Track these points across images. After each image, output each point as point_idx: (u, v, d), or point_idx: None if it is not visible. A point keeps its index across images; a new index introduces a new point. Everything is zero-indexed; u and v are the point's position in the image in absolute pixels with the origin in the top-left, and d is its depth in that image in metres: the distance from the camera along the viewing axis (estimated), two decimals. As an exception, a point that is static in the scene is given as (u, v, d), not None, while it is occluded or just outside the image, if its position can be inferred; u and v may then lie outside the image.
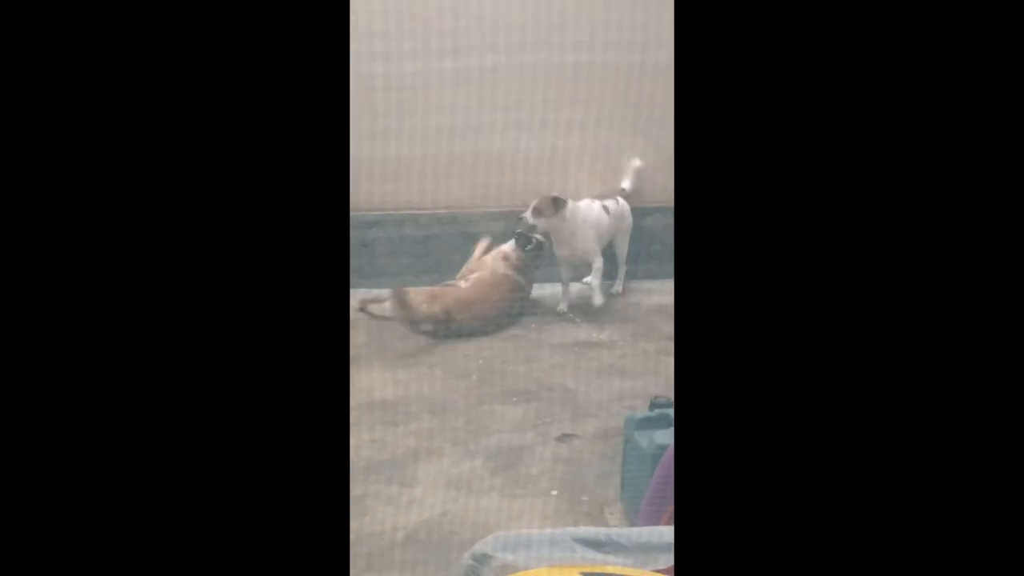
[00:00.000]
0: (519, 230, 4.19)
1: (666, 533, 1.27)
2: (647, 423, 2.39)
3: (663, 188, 4.43)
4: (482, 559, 1.27)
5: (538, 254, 4.25)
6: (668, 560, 1.23)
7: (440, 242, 4.51)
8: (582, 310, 4.20)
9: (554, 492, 2.63)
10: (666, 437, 2.27)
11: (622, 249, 4.49)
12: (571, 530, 1.29)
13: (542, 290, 4.34)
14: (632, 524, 2.26)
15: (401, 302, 3.83)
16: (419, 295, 3.90)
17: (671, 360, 3.58)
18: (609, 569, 1.23)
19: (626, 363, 3.61)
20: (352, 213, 3.59)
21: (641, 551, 1.24)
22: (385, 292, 3.94)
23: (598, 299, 4.19)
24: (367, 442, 2.90)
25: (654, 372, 3.50)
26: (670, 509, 1.74)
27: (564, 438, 2.97)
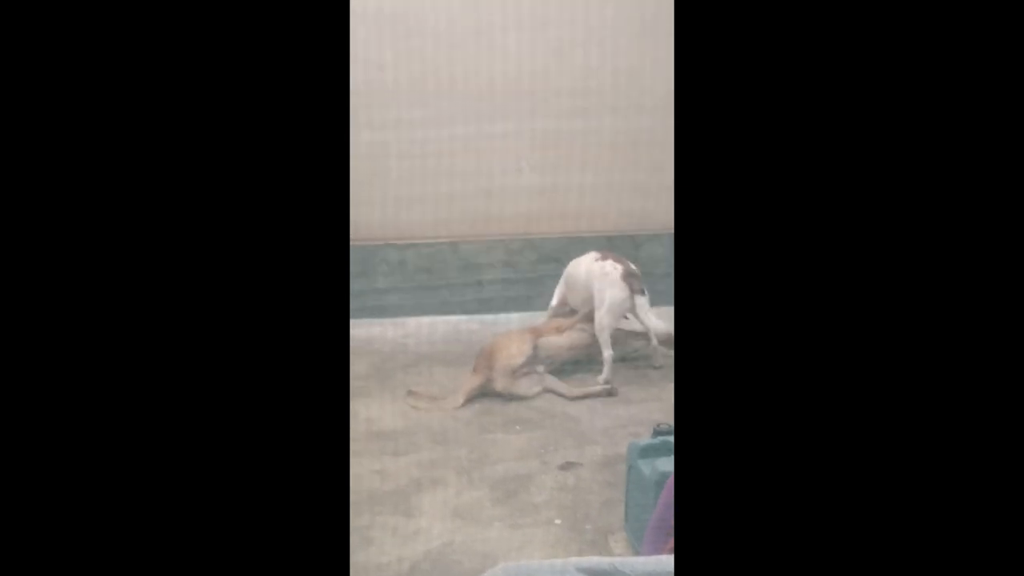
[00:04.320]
0: None
1: (670, 562, 1.28)
2: (650, 450, 2.39)
3: (657, 216, 4.47)
4: (487, 590, 1.27)
5: None
6: (672, 589, 1.23)
7: (442, 272, 4.53)
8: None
9: (558, 521, 2.63)
10: (669, 464, 2.27)
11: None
12: (576, 560, 1.30)
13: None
14: (636, 552, 2.25)
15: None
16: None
17: (673, 387, 3.58)
18: (614, 599, 1.23)
19: (628, 390, 3.61)
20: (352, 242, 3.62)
21: (645, 580, 1.25)
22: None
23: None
24: (371, 472, 2.90)
25: (657, 399, 3.50)
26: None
27: (567, 466, 2.97)
